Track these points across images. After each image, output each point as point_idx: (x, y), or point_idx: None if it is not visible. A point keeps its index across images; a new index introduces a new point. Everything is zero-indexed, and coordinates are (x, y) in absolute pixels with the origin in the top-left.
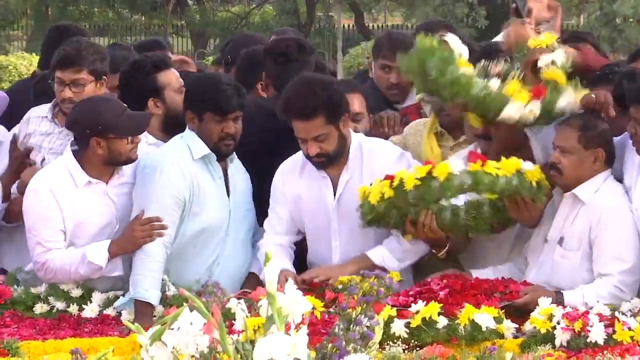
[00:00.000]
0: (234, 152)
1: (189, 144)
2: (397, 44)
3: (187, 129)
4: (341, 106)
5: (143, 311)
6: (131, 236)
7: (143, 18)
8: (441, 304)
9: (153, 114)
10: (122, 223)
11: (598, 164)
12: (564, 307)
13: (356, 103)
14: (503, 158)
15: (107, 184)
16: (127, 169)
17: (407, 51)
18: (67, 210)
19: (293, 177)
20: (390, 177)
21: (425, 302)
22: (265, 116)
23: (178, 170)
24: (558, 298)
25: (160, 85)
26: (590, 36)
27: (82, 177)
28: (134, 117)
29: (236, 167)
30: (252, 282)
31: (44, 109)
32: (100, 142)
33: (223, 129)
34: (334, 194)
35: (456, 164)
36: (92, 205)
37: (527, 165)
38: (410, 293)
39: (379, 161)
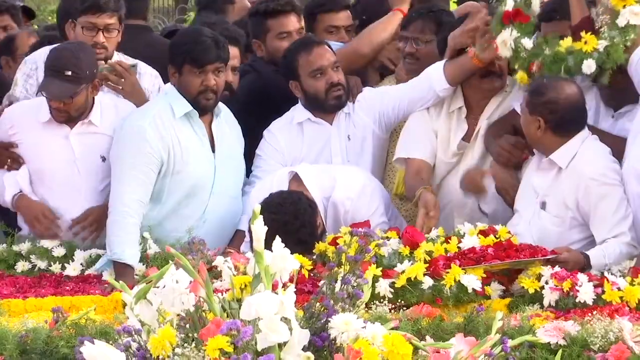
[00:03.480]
0: (221, 106)
1: (171, 102)
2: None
3: (169, 85)
4: None
5: (122, 272)
6: (31, 216)
7: None
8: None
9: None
10: (87, 175)
11: (540, 132)
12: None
13: None
14: None
15: (71, 128)
16: (97, 119)
17: None
18: (22, 138)
19: (291, 136)
20: None
21: (473, 263)
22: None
23: (155, 130)
24: (585, 259)
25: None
26: None
27: (45, 114)
28: (50, 84)
29: (224, 120)
30: (238, 240)
31: None
32: None
33: (202, 82)
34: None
35: None
36: (49, 145)
37: None
38: (449, 255)
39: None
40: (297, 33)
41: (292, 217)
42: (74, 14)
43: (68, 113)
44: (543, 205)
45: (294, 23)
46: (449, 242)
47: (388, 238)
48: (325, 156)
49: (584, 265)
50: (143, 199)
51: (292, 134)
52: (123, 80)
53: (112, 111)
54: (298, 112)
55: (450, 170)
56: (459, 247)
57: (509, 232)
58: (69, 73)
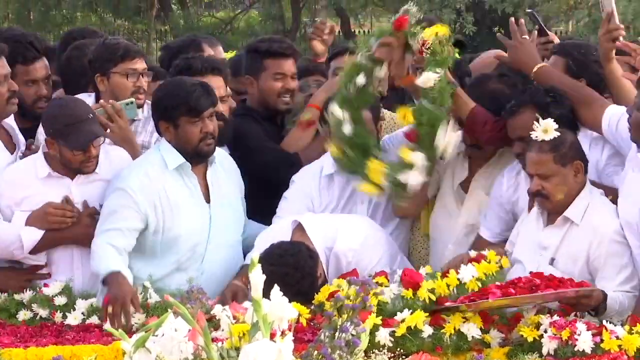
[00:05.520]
0: (215, 152)
1: (163, 155)
2: None
3: (162, 140)
4: None
5: (113, 282)
6: (44, 214)
7: (127, 23)
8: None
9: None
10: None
11: (580, 176)
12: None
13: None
14: None
15: (72, 179)
16: (102, 167)
17: None
18: (21, 198)
19: (320, 186)
20: None
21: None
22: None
23: (140, 188)
24: (603, 298)
25: None
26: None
27: (44, 169)
28: (83, 131)
29: (220, 166)
30: (245, 274)
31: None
32: (52, 144)
33: (202, 129)
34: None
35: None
36: (51, 198)
37: None
38: (471, 297)
39: None
40: (291, 78)
41: (292, 269)
42: (105, 67)
43: (96, 157)
44: (552, 262)
45: (290, 67)
46: (447, 276)
47: (380, 284)
48: (350, 205)
49: (601, 302)
50: (120, 247)
51: (321, 184)
52: (113, 123)
53: (104, 156)
54: (327, 163)
55: (454, 210)
56: (458, 280)
57: (497, 255)
58: (91, 115)
